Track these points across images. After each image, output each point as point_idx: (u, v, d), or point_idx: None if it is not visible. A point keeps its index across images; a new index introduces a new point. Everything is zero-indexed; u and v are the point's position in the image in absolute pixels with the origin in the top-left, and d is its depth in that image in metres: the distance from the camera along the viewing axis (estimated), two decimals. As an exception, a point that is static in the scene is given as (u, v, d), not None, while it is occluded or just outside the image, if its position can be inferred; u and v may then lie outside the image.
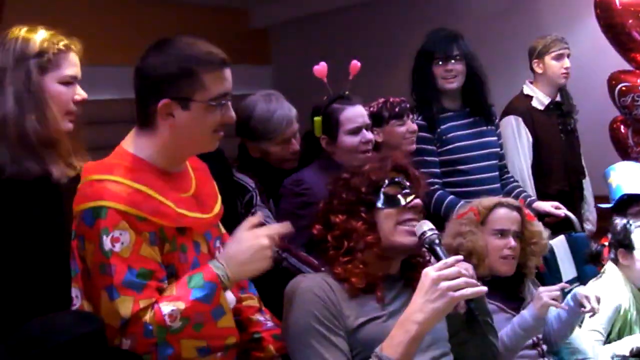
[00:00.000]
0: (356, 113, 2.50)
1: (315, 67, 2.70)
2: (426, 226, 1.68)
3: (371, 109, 2.78)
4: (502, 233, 2.34)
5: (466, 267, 1.85)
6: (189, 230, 1.60)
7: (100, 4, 4.93)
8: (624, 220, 2.72)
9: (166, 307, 1.45)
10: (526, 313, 2.19)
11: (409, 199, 1.74)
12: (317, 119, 2.52)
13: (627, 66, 3.81)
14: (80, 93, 1.80)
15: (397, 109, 2.79)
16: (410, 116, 2.85)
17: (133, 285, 1.45)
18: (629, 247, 2.68)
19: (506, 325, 2.20)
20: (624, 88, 3.72)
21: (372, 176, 1.76)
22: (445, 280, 1.50)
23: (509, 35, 4.58)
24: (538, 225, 2.48)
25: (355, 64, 2.71)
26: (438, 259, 1.61)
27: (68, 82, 1.77)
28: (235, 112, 1.62)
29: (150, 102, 1.54)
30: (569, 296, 2.32)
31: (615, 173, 3.28)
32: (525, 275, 2.43)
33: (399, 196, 1.74)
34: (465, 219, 2.35)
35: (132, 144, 1.60)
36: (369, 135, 2.50)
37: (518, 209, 2.41)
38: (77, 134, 1.82)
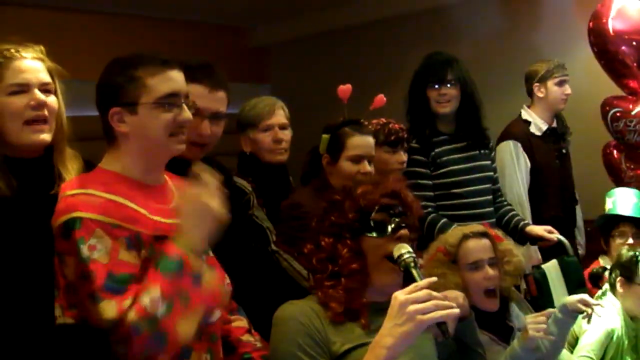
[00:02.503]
0: (364, 142, 2.52)
1: (340, 87, 2.77)
2: (404, 249, 1.66)
3: (369, 126, 2.75)
4: (477, 265, 2.28)
5: (456, 296, 1.87)
6: (169, 239, 1.57)
7: (101, 22, 5.00)
8: (632, 252, 2.73)
9: (144, 298, 1.44)
10: (516, 344, 2.13)
11: (397, 228, 1.71)
12: (325, 136, 2.55)
13: (620, 92, 3.85)
14: (35, 97, 1.73)
15: (393, 137, 2.77)
16: (405, 146, 2.84)
17: (114, 289, 1.45)
18: (630, 278, 2.69)
19: (499, 358, 2.14)
20: (617, 114, 3.74)
21: (361, 201, 1.74)
22: (414, 303, 1.47)
23: (504, 59, 4.63)
24: (507, 244, 2.44)
25: (381, 98, 2.79)
26: (412, 281, 1.57)
27: (16, 91, 1.73)
28: None
29: (105, 115, 1.59)
30: (556, 310, 2.31)
31: (610, 198, 3.32)
32: (508, 300, 2.40)
33: (388, 225, 1.72)
34: (435, 261, 2.29)
35: (104, 160, 1.63)
36: (368, 167, 2.50)
37: (485, 235, 2.35)
38: (61, 146, 1.80)
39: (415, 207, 1.80)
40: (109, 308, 1.43)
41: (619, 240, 3.16)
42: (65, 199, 1.53)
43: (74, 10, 4.90)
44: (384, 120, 2.83)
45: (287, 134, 2.73)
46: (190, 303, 1.47)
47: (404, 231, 1.72)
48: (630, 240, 3.13)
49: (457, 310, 1.49)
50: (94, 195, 1.52)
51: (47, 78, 1.77)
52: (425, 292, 1.48)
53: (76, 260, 1.48)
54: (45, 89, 1.76)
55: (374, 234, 1.72)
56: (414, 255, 1.65)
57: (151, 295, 1.43)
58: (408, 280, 1.62)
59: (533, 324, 2.12)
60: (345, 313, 1.68)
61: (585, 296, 2.28)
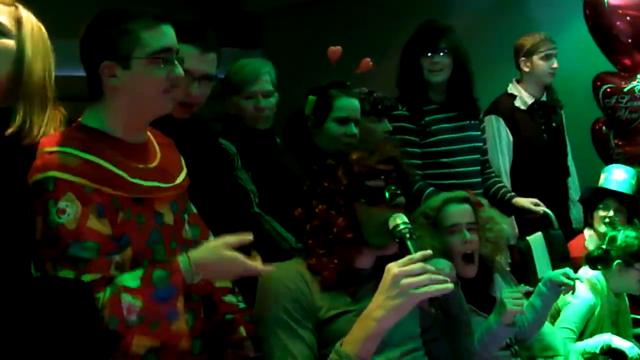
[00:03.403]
0: (350, 104, 2.54)
1: (331, 48, 2.73)
2: (400, 219, 1.62)
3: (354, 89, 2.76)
4: (455, 229, 2.29)
5: (443, 267, 1.83)
6: (148, 200, 1.57)
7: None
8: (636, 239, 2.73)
9: (125, 298, 1.43)
10: (492, 320, 2.14)
11: (393, 196, 1.68)
12: (312, 97, 2.56)
13: (613, 68, 3.83)
14: None
15: (379, 106, 2.77)
16: (389, 115, 2.84)
17: (76, 260, 1.43)
18: (630, 263, 2.71)
19: (479, 328, 2.15)
20: (608, 89, 3.73)
21: (356, 167, 1.70)
22: (408, 277, 1.45)
23: (497, 32, 4.59)
24: (490, 211, 2.46)
25: (367, 61, 2.75)
26: (407, 253, 1.54)
27: None
28: None
29: (93, 69, 1.55)
30: (540, 284, 2.32)
31: (604, 174, 3.34)
32: (492, 271, 2.41)
33: (384, 192, 1.68)
34: (415, 224, 2.24)
35: (86, 116, 1.59)
36: (354, 129, 2.52)
37: (466, 200, 2.37)
38: (21, 93, 1.67)
39: (411, 174, 1.78)
40: None
41: (602, 213, 3.19)
42: (43, 156, 1.50)
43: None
44: (366, 90, 2.82)
45: (271, 102, 2.69)
46: (157, 331, 1.46)
47: (400, 199, 1.68)
48: (611, 213, 3.15)
49: (451, 286, 1.47)
50: (71, 155, 1.49)
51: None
52: (419, 265, 1.46)
53: (44, 220, 1.45)
54: None
55: (370, 202, 1.68)
56: (409, 226, 1.62)
57: (132, 302, 1.43)
58: (403, 251, 1.59)
59: (510, 297, 2.12)
60: (335, 280, 1.67)
61: (567, 270, 2.31)
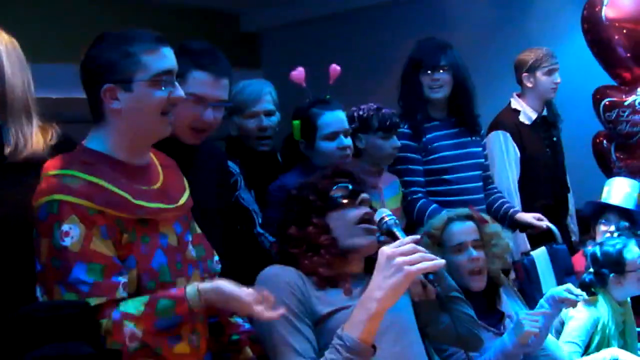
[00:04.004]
0: (334, 118, 2.51)
1: (293, 72, 2.74)
2: (383, 212, 1.74)
3: (361, 112, 2.78)
4: (461, 247, 2.31)
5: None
6: (153, 221, 1.58)
7: (90, 4, 4.93)
8: (611, 247, 2.73)
9: (128, 325, 1.45)
10: (507, 339, 2.14)
11: (357, 193, 1.81)
12: (296, 122, 2.55)
13: (613, 81, 3.84)
14: None
15: (387, 122, 2.77)
16: (397, 131, 2.85)
17: (80, 283, 1.44)
18: (621, 270, 2.70)
19: (488, 344, 2.16)
20: (608, 103, 3.73)
21: (318, 185, 1.83)
22: (401, 255, 1.52)
23: (497, 46, 4.61)
24: (494, 227, 2.46)
25: (335, 67, 2.75)
26: (396, 240, 1.64)
27: None
28: None
29: (95, 93, 1.57)
30: (542, 300, 2.31)
31: (607, 187, 3.34)
32: (497, 285, 2.41)
33: (347, 196, 1.81)
34: (420, 244, 2.31)
35: (89, 138, 1.61)
36: (346, 141, 2.51)
37: (470, 217, 2.38)
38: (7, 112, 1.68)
39: (367, 182, 1.91)
40: None
41: (603, 227, 3.21)
42: (47, 180, 1.51)
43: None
44: (374, 105, 2.82)
45: (273, 121, 2.72)
46: (159, 356, 1.47)
47: (364, 195, 1.82)
48: (613, 227, 3.15)
49: (442, 261, 1.55)
50: (76, 177, 1.50)
51: None
52: (410, 245, 1.55)
53: (50, 243, 1.46)
54: None
55: (338, 206, 1.80)
56: (394, 216, 1.74)
57: (135, 330, 1.44)
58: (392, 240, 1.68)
59: (528, 319, 2.13)
60: (329, 279, 1.73)
61: (570, 285, 2.31)
